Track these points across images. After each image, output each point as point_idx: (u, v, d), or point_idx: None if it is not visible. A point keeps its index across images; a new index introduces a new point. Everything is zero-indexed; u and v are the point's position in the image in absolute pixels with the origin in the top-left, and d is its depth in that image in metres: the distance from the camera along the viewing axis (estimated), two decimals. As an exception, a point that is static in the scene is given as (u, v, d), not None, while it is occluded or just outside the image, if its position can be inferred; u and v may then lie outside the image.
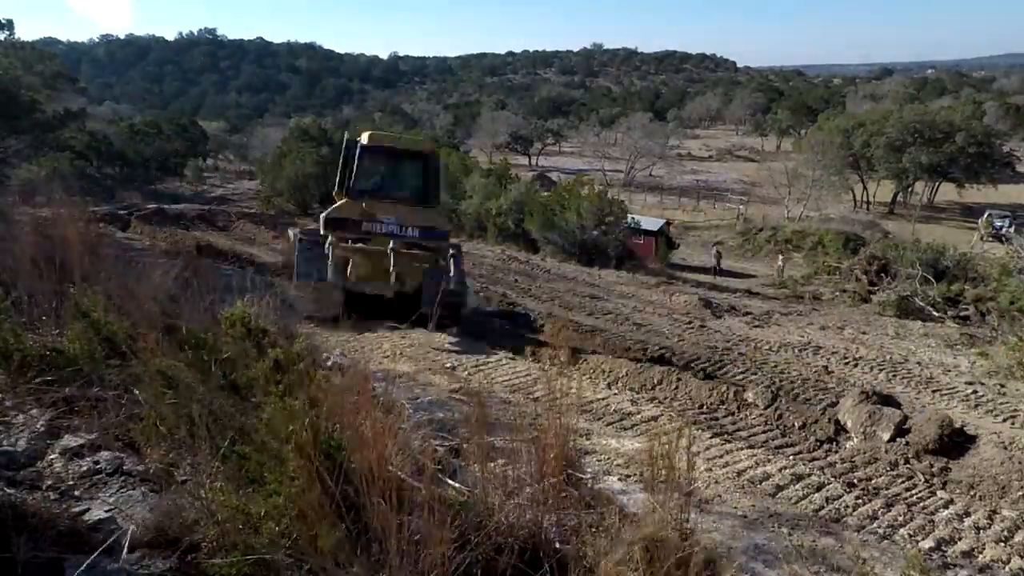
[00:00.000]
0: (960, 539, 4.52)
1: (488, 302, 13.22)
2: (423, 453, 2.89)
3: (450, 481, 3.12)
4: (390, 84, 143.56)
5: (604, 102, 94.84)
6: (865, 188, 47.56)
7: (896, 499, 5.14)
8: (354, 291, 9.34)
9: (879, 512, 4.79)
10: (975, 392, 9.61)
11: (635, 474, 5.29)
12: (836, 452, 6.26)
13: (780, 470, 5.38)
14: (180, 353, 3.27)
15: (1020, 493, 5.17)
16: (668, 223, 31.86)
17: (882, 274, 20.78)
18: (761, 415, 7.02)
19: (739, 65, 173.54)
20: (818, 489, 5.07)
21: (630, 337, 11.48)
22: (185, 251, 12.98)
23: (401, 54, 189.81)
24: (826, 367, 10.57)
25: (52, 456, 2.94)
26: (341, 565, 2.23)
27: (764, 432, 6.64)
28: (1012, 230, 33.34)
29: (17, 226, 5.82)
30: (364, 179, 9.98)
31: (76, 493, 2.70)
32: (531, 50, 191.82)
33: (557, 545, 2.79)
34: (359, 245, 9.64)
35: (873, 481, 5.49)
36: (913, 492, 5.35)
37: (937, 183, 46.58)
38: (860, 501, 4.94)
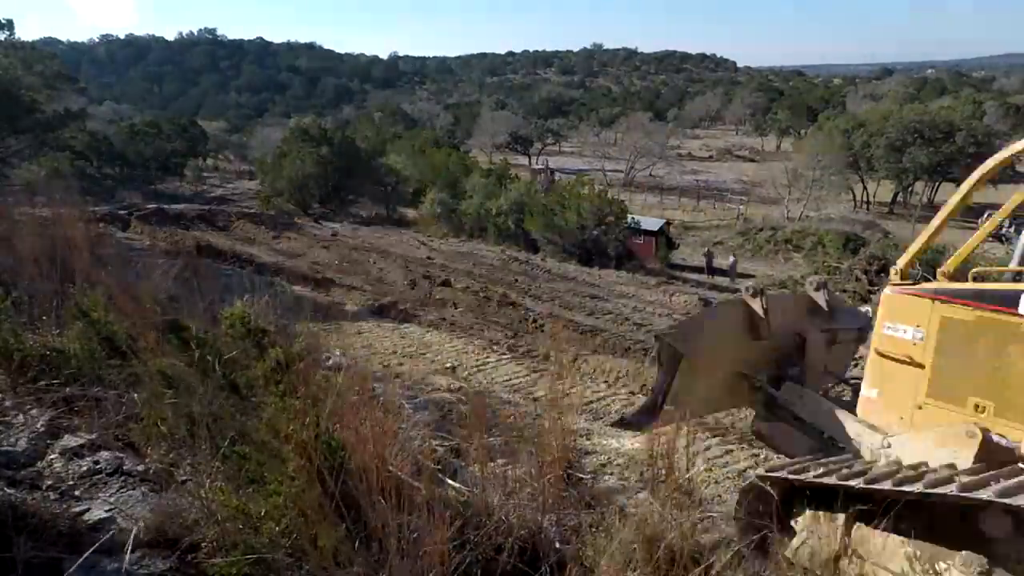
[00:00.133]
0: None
1: None
2: (423, 453, 2.89)
3: (450, 481, 3.12)
4: (390, 84, 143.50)
5: (604, 102, 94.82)
6: (865, 188, 47.56)
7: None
8: None
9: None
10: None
11: (635, 474, 5.30)
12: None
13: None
14: (180, 353, 3.28)
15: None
16: (668, 223, 31.85)
17: (882, 274, 20.77)
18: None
19: (739, 65, 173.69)
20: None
21: (630, 337, 11.48)
22: (185, 251, 12.98)
23: (401, 54, 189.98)
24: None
25: (52, 456, 2.94)
26: (341, 564, 2.24)
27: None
28: (1012, 230, 33.30)
29: (17, 226, 5.82)
30: None
31: (76, 493, 2.70)
32: (531, 50, 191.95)
33: (557, 545, 2.79)
34: None
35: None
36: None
37: (937, 183, 46.58)
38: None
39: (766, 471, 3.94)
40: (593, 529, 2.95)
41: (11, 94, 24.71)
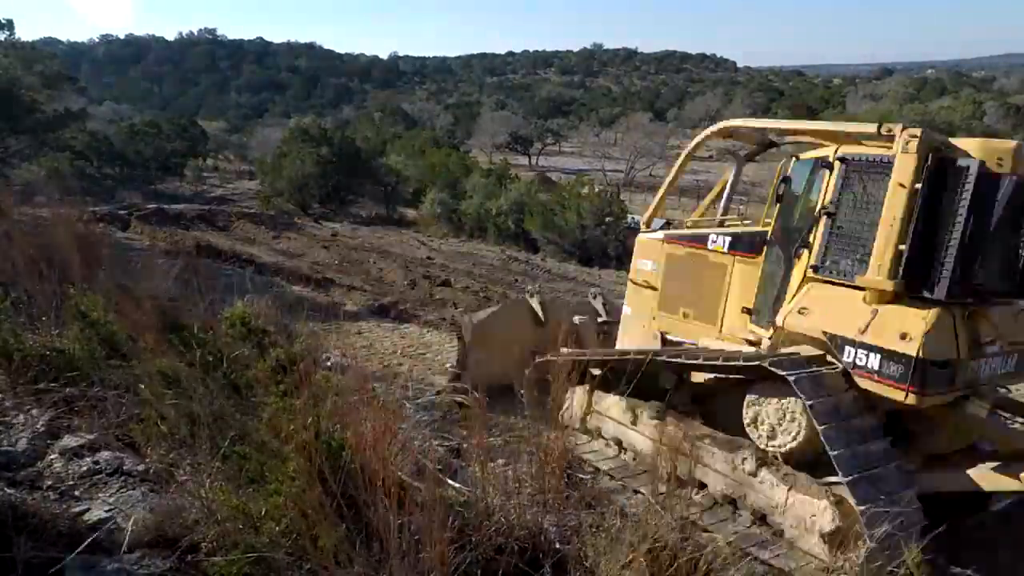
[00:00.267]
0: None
1: None
2: (423, 453, 2.89)
3: (450, 481, 3.12)
4: (390, 84, 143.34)
5: (604, 102, 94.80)
6: (865, 188, 47.61)
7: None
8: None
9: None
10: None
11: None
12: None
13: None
14: (181, 353, 3.27)
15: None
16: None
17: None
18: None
19: (739, 65, 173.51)
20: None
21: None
22: (185, 251, 12.97)
23: (401, 54, 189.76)
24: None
25: (52, 456, 2.94)
26: (341, 564, 2.23)
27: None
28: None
29: (17, 226, 5.82)
30: (983, 260, 4.44)
31: (76, 493, 2.70)
32: (531, 50, 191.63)
33: (557, 545, 2.79)
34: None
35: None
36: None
37: (937, 183, 46.60)
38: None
39: (538, 358, 5.62)
40: (593, 529, 2.95)
41: (11, 94, 24.69)
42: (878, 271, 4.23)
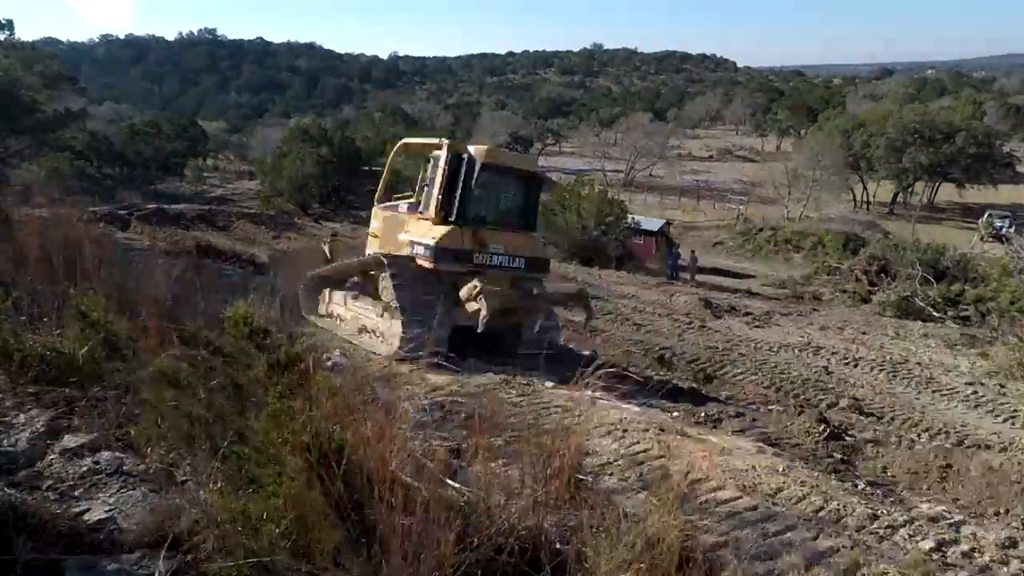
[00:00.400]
0: (960, 541, 4.51)
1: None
2: (424, 454, 2.88)
3: (451, 482, 3.12)
4: (390, 84, 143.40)
5: (604, 102, 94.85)
6: (865, 188, 47.53)
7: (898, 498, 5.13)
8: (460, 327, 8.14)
9: (879, 512, 4.78)
10: (975, 392, 9.61)
11: (635, 474, 5.29)
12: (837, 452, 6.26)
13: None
14: (181, 353, 3.27)
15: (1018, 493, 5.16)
16: (668, 223, 31.84)
17: (882, 274, 20.76)
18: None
19: (739, 65, 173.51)
20: (820, 490, 5.06)
21: (630, 337, 11.49)
22: (185, 251, 12.97)
23: (401, 54, 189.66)
24: (826, 367, 10.57)
25: (52, 456, 2.94)
26: (341, 566, 2.23)
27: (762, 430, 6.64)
28: (1012, 230, 33.32)
29: (17, 226, 5.82)
30: (474, 203, 8.38)
31: (76, 493, 2.70)
32: (531, 50, 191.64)
33: (557, 545, 2.79)
34: (480, 283, 7.97)
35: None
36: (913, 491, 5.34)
37: (937, 183, 46.54)
38: (861, 502, 4.93)
39: (309, 274, 9.83)
40: (593, 529, 2.95)
41: (11, 94, 24.71)
42: (431, 210, 8.28)
